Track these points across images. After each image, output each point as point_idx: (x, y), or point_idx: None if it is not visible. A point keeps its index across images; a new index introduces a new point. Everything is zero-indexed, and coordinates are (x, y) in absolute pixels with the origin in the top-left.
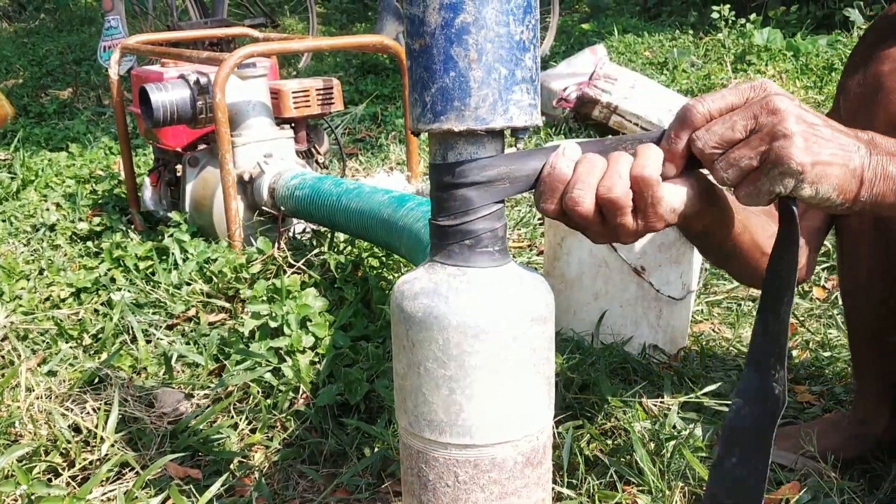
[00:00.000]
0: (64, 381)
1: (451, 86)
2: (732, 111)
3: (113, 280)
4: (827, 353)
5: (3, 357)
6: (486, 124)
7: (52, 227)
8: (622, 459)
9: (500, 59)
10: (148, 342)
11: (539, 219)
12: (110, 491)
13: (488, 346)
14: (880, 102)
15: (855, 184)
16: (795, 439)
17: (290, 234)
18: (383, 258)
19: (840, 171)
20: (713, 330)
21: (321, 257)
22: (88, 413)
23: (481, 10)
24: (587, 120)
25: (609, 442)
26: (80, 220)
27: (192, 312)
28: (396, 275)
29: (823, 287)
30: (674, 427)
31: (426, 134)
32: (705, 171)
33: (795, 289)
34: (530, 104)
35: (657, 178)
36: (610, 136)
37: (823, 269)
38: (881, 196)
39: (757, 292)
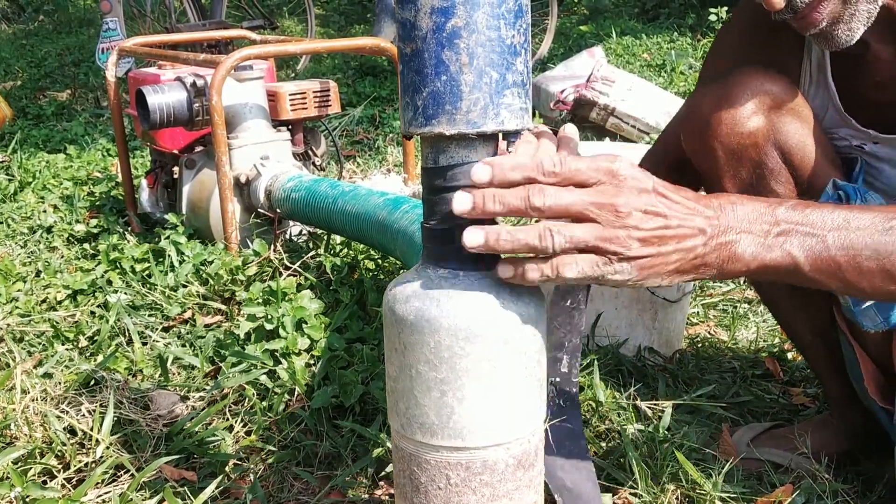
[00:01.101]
0: (59, 383)
1: (443, 90)
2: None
3: (109, 282)
4: None
5: None
6: (478, 128)
7: (49, 229)
8: (616, 462)
9: (492, 63)
10: (144, 344)
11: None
12: (105, 493)
13: (479, 348)
14: None
15: (696, 273)
16: (789, 439)
17: (287, 237)
18: (379, 261)
19: (675, 277)
20: (709, 332)
21: (317, 260)
22: (84, 415)
23: (472, 14)
24: (584, 122)
25: (603, 444)
26: (78, 221)
27: (188, 314)
28: (392, 277)
29: None
30: (667, 429)
31: (419, 137)
32: None
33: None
34: (522, 108)
35: None
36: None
37: None
38: (734, 273)
39: (753, 294)
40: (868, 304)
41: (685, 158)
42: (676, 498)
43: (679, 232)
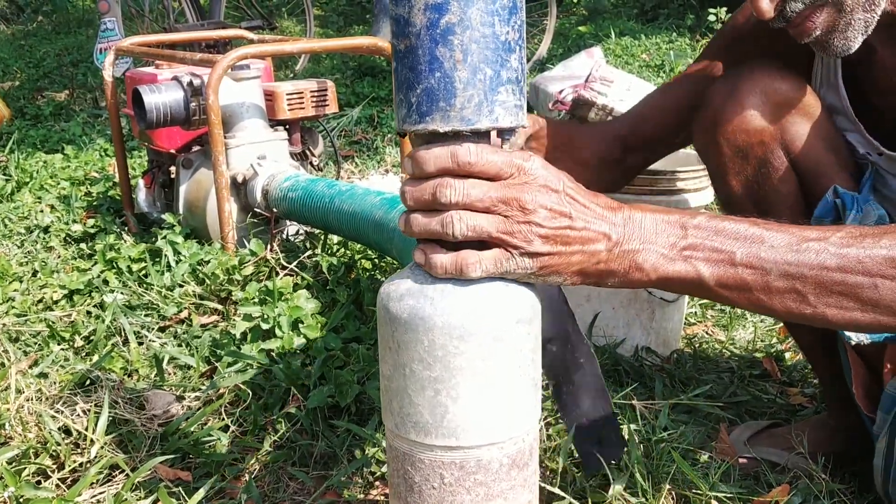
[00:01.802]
0: (55, 383)
1: (437, 86)
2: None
3: (106, 282)
4: None
5: None
6: (472, 125)
7: (46, 229)
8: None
9: (486, 60)
10: (140, 344)
11: None
12: (100, 493)
13: (473, 347)
14: None
15: (601, 278)
16: (786, 439)
17: (283, 236)
18: (376, 260)
19: (577, 279)
20: (706, 332)
21: (314, 259)
22: (79, 415)
23: (466, 10)
24: (583, 122)
25: None
26: (75, 221)
27: (184, 314)
28: (389, 277)
29: None
30: (664, 429)
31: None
32: None
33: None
34: (516, 105)
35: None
36: None
37: None
38: (638, 283)
39: None
40: None
41: (656, 139)
42: (673, 498)
43: (583, 234)
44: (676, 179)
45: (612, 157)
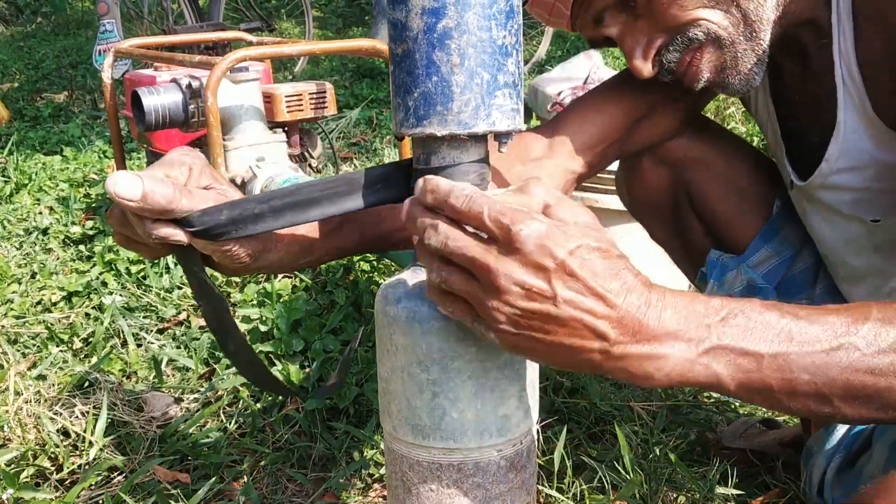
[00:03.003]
0: (53, 385)
1: (434, 90)
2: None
3: (104, 284)
4: None
5: None
6: (469, 129)
7: (44, 231)
8: (610, 463)
9: (483, 64)
10: (138, 346)
11: None
12: (98, 495)
13: (471, 350)
14: None
15: (596, 373)
16: (778, 434)
17: None
18: (374, 262)
19: (564, 368)
20: None
21: None
22: (77, 417)
23: (463, 14)
24: None
25: (597, 446)
26: (74, 223)
27: (182, 316)
28: (387, 279)
29: None
30: (662, 431)
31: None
32: None
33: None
34: (513, 109)
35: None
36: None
37: None
38: (646, 387)
39: None
40: None
41: (607, 162)
42: (671, 500)
43: (571, 325)
44: None
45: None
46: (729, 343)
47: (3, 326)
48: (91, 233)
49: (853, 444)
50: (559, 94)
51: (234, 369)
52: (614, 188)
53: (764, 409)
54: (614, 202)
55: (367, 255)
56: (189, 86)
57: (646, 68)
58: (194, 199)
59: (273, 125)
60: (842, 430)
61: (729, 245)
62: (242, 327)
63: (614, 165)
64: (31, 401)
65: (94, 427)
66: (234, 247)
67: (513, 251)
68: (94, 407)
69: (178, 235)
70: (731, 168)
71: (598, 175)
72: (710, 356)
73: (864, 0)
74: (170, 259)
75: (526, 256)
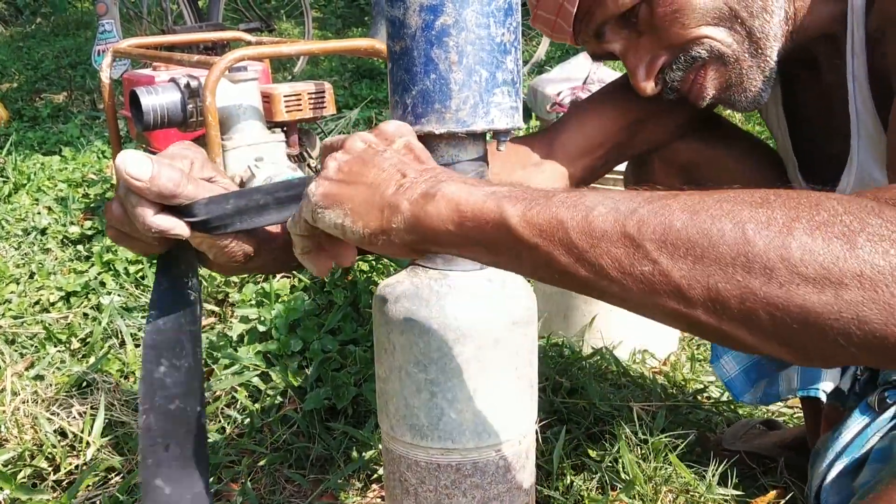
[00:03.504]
0: (51, 385)
1: (432, 88)
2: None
3: (103, 284)
4: None
5: None
6: (467, 127)
7: (43, 231)
8: (610, 464)
9: (481, 62)
10: (136, 346)
11: None
12: (95, 496)
13: (469, 349)
14: None
15: (383, 221)
16: (779, 436)
17: None
18: (373, 262)
19: (360, 221)
20: None
21: None
22: (75, 417)
23: (461, 12)
24: None
25: (597, 446)
26: (72, 223)
27: None
28: (385, 279)
29: None
30: (662, 431)
31: None
32: None
33: None
34: (512, 106)
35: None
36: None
37: None
38: (430, 224)
39: None
40: (734, 372)
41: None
42: (670, 500)
43: (385, 167)
44: None
45: None
46: (517, 190)
47: (0, 326)
48: (89, 233)
49: (858, 451)
50: (558, 94)
51: (233, 369)
52: (613, 189)
53: (764, 410)
54: None
55: (367, 255)
56: (188, 85)
57: (649, 86)
58: (199, 187)
59: (272, 125)
60: (848, 435)
61: None
62: (241, 327)
63: (622, 165)
64: (28, 401)
65: (92, 427)
66: (233, 242)
67: (373, 132)
68: (91, 407)
69: (178, 228)
70: (743, 168)
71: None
72: (497, 193)
73: (879, 20)
74: None
75: (376, 131)
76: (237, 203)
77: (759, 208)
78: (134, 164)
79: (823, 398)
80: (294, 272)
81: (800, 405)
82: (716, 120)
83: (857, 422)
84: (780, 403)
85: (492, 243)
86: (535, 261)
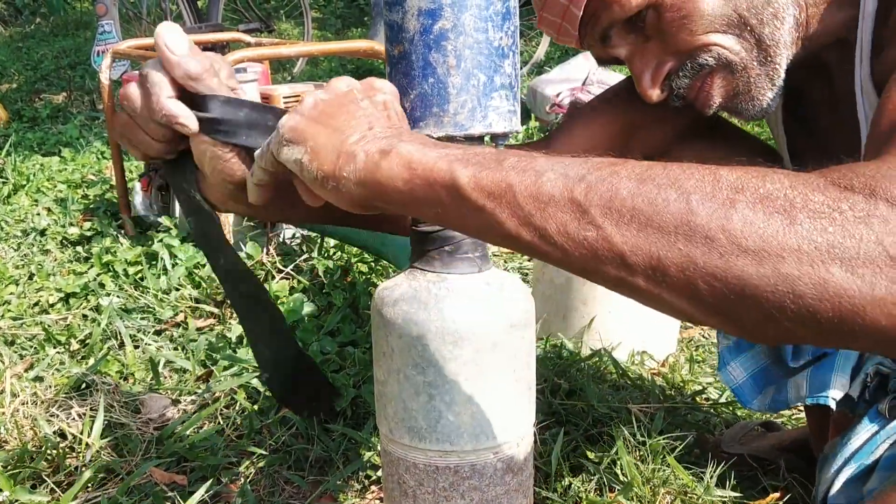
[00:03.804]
0: (50, 387)
1: (430, 92)
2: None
3: (102, 285)
4: None
5: None
6: (465, 130)
7: (42, 232)
8: (608, 466)
9: (479, 66)
10: (136, 348)
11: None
12: (95, 497)
13: (468, 352)
14: None
15: (338, 167)
16: (777, 438)
17: (280, 240)
18: (372, 264)
19: (316, 162)
20: (702, 335)
21: (310, 263)
22: (74, 419)
23: (460, 16)
24: None
25: (595, 448)
26: (71, 224)
27: (180, 318)
28: (383, 281)
29: None
30: (660, 433)
31: None
32: None
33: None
34: (510, 110)
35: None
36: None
37: None
38: (382, 180)
39: None
40: (742, 379)
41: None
42: (669, 502)
43: (356, 114)
44: None
45: None
46: (473, 151)
47: (0, 328)
48: (89, 234)
49: (867, 457)
50: (558, 95)
51: (232, 371)
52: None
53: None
54: None
55: (365, 256)
56: None
57: (655, 93)
58: (221, 87)
59: None
60: (857, 441)
61: None
62: (240, 329)
63: None
64: (27, 402)
65: (91, 429)
66: (233, 158)
67: (362, 81)
68: (90, 409)
69: (187, 119)
70: None
71: None
72: (450, 155)
73: (887, 20)
74: (168, 260)
75: (365, 81)
76: (250, 115)
77: (705, 179)
78: (172, 36)
79: (833, 406)
80: (293, 273)
81: (800, 407)
82: (717, 121)
83: (866, 428)
84: None
85: (439, 203)
86: (481, 223)
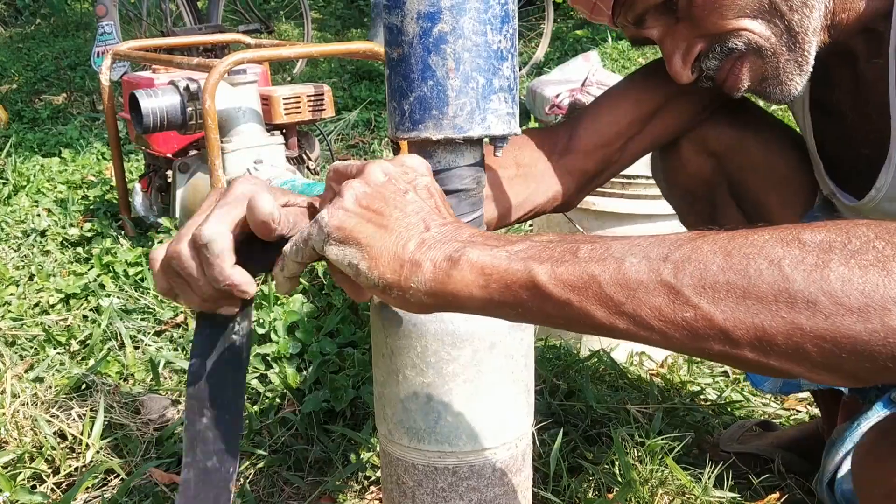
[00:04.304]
0: (50, 388)
1: (429, 94)
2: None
3: (102, 286)
4: None
5: None
6: (464, 133)
7: (42, 233)
8: (606, 466)
9: (478, 69)
10: (136, 348)
11: (529, 224)
12: (95, 498)
13: (466, 353)
14: None
15: (401, 277)
16: (777, 437)
17: None
18: None
19: (376, 267)
20: None
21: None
22: (74, 419)
23: (459, 19)
24: None
25: (593, 449)
26: (72, 225)
27: (180, 318)
28: None
29: None
30: (659, 433)
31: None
32: None
33: None
34: (508, 113)
35: (209, 236)
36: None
37: None
38: (454, 290)
39: None
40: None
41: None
42: (667, 502)
43: (408, 211)
44: (650, 185)
45: (569, 193)
46: (537, 246)
47: (0, 329)
48: (89, 235)
49: None
50: (557, 96)
51: None
52: (612, 192)
53: (761, 411)
54: (612, 205)
55: None
56: (187, 88)
57: (685, 74)
58: (285, 218)
59: (271, 127)
60: (867, 426)
61: None
62: None
63: (630, 169)
64: (28, 403)
65: (91, 429)
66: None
67: (393, 162)
68: (91, 409)
69: (250, 286)
70: (773, 157)
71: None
72: (522, 256)
73: None
74: None
75: (398, 162)
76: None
77: (791, 244)
78: (266, 202)
79: (846, 390)
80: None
81: (798, 407)
82: (745, 104)
83: (877, 415)
84: (776, 405)
85: (520, 304)
86: (569, 316)
